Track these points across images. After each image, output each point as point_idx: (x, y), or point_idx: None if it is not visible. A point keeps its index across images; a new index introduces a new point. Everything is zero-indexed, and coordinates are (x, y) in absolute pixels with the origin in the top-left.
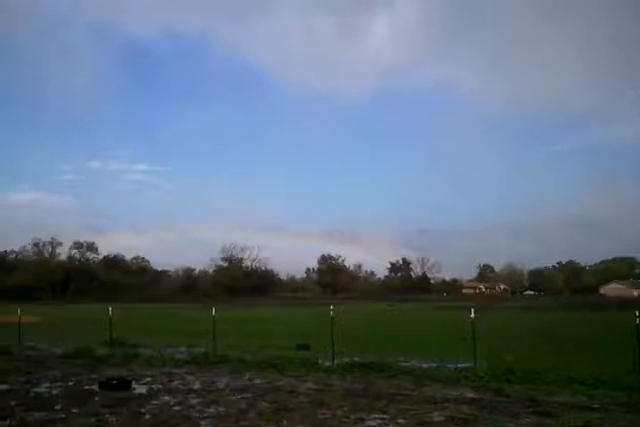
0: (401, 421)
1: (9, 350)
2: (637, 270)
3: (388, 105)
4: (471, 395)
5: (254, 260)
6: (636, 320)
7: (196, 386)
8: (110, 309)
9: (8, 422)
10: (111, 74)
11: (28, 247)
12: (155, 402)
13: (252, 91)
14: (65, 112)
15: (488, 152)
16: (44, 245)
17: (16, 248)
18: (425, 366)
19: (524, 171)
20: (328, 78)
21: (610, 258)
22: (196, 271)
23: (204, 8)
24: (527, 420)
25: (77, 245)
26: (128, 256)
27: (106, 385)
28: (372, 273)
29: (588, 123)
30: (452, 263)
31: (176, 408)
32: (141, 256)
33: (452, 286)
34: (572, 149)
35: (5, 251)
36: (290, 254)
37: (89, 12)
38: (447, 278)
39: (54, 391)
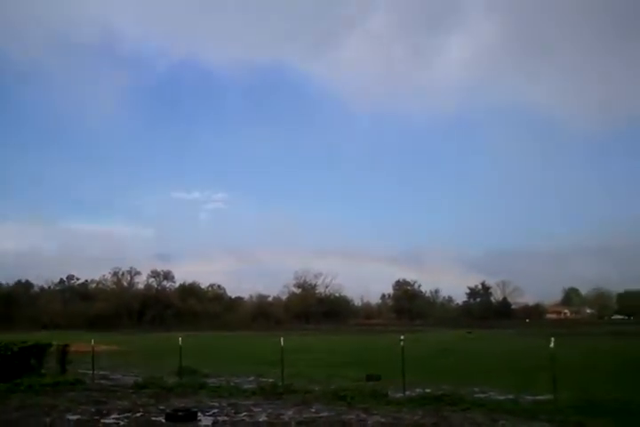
0: None
1: (83, 379)
2: None
3: (461, 125)
4: None
5: (327, 286)
6: None
7: (262, 418)
8: (180, 338)
9: None
10: (195, 109)
11: (108, 276)
12: None
13: (324, 117)
14: (143, 145)
15: (569, 171)
16: (122, 274)
17: (96, 278)
18: (501, 398)
19: (608, 190)
20: (402, 101)
21: None
22: (270, 298)
23: (276, 40)
24: None
25: (154, 274)
26: (204, 284)
27: (172, 417)
28: (450, 299)
29: None
30: (535, 287)
31: None
32: (217, 284)
33: (535, 312)
34: None
35: (86, 280)
36: (364, 280)
37: (168, 48)
38: (530, 303)
39: (122, 423)
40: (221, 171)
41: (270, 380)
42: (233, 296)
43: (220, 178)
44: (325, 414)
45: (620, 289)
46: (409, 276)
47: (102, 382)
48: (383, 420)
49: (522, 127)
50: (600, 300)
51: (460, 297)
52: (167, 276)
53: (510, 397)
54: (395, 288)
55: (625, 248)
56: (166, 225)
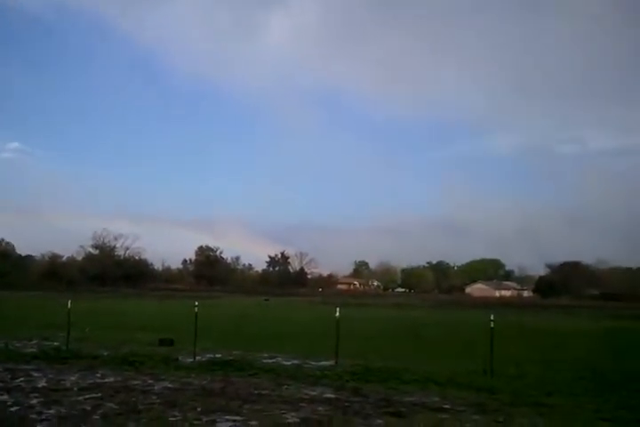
0: (254, 423)
1: None
2: (502, 272)
3: (276, 102)
4: (329, 395)
5: (127, 248)
6: (490, 323)
7: (41, 384)
8: None
9: None
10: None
11: None
12: None
13: (142, 77)
14: None
15: (370, 155)
16: None
17: None
18: (288, 363)
19: (403, 174)
20: (222, 72)
21: (477, 259)
22: (64, 258)
23: None
24: (379, 421)
25: None
26: None
27: None
28: (250, 266)
29: (469, 132)
30: (330, 259)
31: (12, 409)
32: (5, 240)
33: (328, 282)
34: (448, 156)
35: None
36: (166, 245)
37: None
38: (324, 274)
39: None
40: (15, 119)
41: (56, 344)
42: (23, 254)
43: (14, 127)
44: (111, 379)
45: (404, 265)
46: (211, 243)
47: None
48: (171, 385)
49: (334, 110)
50: (386, 274)
51: (260, 265)
52: None
53: (296, 362)
54: (197, 254)
55: (409, 229)
56: None
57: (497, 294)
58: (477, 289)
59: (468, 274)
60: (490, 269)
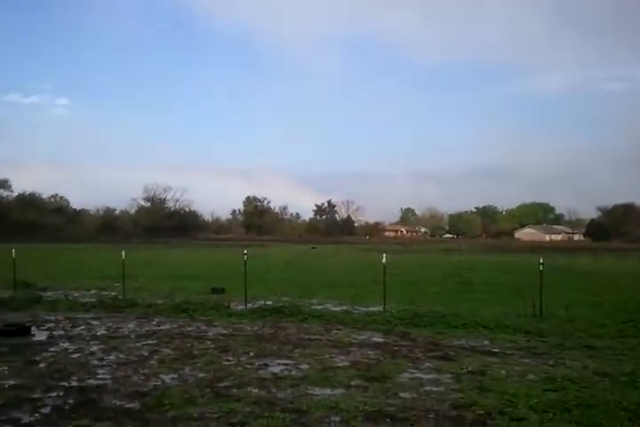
0: (304, 366)
1: None
2: (551, 216)
3: (317, 49)
4: (378, 339)
5: (177, 200)
6: (539, 266)
7: (100, 332)
8: (14, 250)
9: None
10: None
11: None
12: (53, 349)
13: (180, 28)
14: None
15: (415, 100)
16: None
17: None
18: (337, 309)
19: (446, 119)
20: (263, 18)
21: (526, 203)
22: (117, 211)
23: None
24: (427, 364)
25: None
26: (45, 194)
27: (3, 332)
28: (298, 215)
29: (512, 74)
30: (377, 207)
31: (74, 356)
32: (59, 195)
33: (375, 229)
34: (491, 99)
35: None
36: (212, 196)
37: None
38: (371, 222)
39: None
40: (61, 75)
41: (113, 293)
42: (77, 208)
43: (64, 82)
44: (167, 326)
45: (451, 211)
46: (257, 193)
47: None
48: (224, 331)
49: (375, 55)
50: (433, 220)
51: (306, 214)
52: (3, 185)
53: (345, 308)
54: (245, 204)
55: (455, 174)
56: (5, 131)
57: (547, 238)
58: (527, 233)
59: (517, 218)
60: (539, 213)
